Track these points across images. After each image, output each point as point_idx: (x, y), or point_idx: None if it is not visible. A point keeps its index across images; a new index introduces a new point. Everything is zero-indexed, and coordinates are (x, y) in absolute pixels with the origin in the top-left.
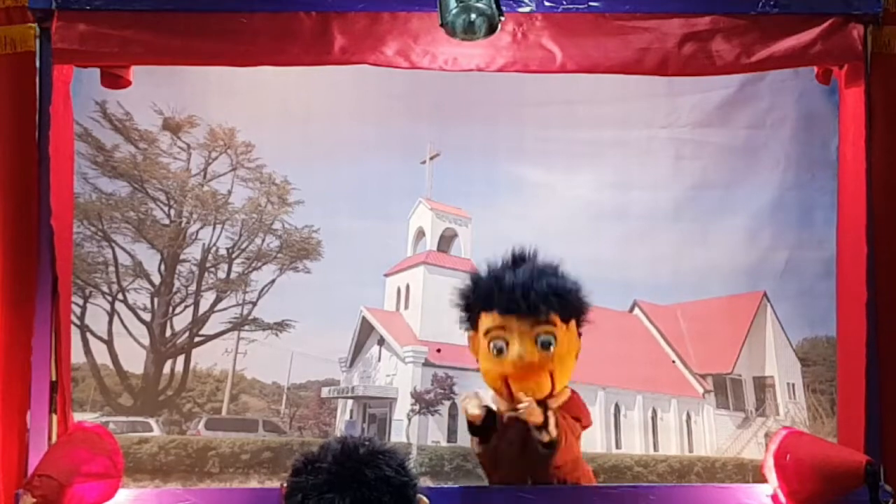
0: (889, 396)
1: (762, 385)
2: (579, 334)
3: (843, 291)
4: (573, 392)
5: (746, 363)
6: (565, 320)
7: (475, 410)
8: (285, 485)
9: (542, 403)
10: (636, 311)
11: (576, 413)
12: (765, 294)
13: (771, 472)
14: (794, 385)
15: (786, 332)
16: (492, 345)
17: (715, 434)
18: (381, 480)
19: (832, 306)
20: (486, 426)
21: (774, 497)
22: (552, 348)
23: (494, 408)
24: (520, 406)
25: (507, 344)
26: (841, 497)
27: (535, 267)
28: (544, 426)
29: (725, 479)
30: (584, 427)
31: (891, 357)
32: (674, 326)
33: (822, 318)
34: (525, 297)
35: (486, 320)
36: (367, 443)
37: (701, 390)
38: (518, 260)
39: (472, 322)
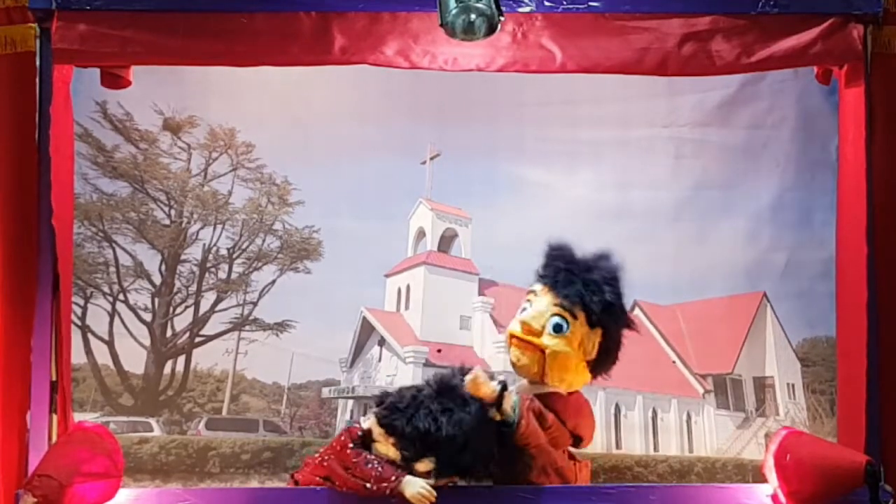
0: (889, 396)
1: (762, 385)
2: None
3: (843, 291)
4: (575, 397)
5: (746, 363)
6: (592, 324)
7: (488, 391)
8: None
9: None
10: (636, 311)
11: (553, 406)
12: (765, 294)
13: (771, 472)
14: (793, 385)
15: (786, 332)
16: (524, 305)
17: (715, 434)
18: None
19: (832, 306)
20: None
21: (774, 497)
22: (560, 333)
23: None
24: (467, 377)
25: (529, 308)
26: (841, 497)
27: (596, 266)
28: (498, 404)
29: (725, 479)
30: (574, 432)
31: (891, 357)
32: (674, 326)
33: (822, 318)
34: (563, 277)
35: (534, 284)
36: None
37: (701, 390)
38: (596, 257)
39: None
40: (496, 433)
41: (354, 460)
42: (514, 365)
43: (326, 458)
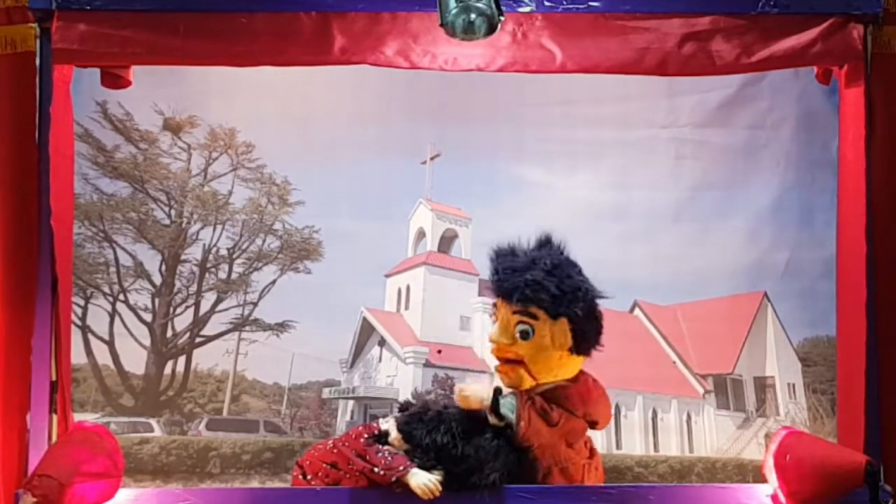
0: (889, 396)
1: (763, 385)
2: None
3: (843, 291)
4: (580, 383)
5: (747, 363)
6: (553, 316)
7: (474, 404)
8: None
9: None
10: (636, 311)
11: (559, 402)
12: (765, 294)
13: (771, 473)
14: (794, 385)
15: (786, 332)
16: (491, 318)
17: (715, 434)
18: None
19: (833, 306)
20: (496, 412)
21: (774, 497)
22: (529, 339)
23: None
24: (456, 391)
25: (494, 323)
26: (841, 497)
27: (538, 258)
28: (494, 410)
29: (726, 479)
30: (587, 418)
31: (891, 357)
32: (674, 327)
33: (823, 318)
34: (508, 284)
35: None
36: None
37: (701, 391)
38: (537, 247)
39: None
40: (515, 465)
41: (366, 448)
42: (510, 388)
43: (340, 445)
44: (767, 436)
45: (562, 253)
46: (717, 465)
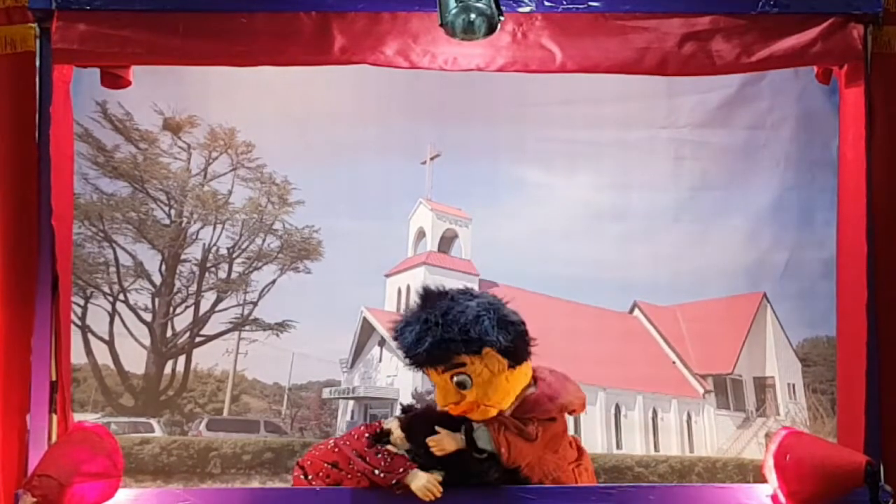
0: (889, 396)
1: (762, 385)
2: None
3: (843, 291)
4: (540, 384)
5: (747, 363)
6: (475, 352)
7: (450, 446)
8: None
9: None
10: (636, 311)
11: (532, 412)
12: (765, 295)
13: (771, 473)
14: (794, 385)
15: (786, 332)
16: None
17: (715, 434)
18: None
19: (832, 306)
20: (476, 447)
21: (774, 497)
22: (470, 385)
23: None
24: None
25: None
26: (841, 497)
27: (428, 317)
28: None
29: (726, 479)
30: (564, 411)
31: (891, 357)
32: (674, 327)
33: (823, 318)
34: (420, 358)
35: None
36: None
37: (701, 391)
38: (420, 306)
39: None
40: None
41: (367, 449)
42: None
43: (341, 444)
44: (767, 436)
45: (446, 294)
46: (718, 464)
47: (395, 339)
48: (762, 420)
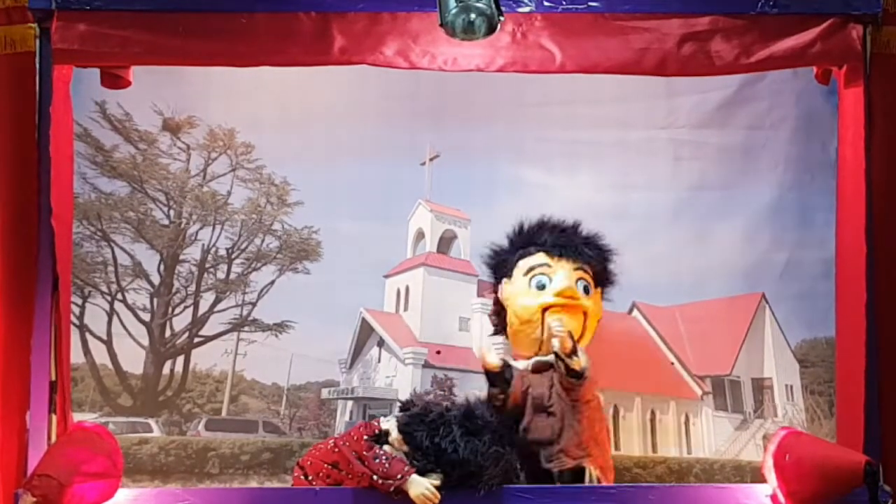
0: (888, 396)
1: (760, 386)
2: None
3: (843, 292)
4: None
5: (745, 365)
6: (596, 284)
7: (494, 360)
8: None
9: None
10: (635, 312)
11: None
12: (763, 295)
13: (770, 473)
14: (792, 386)
15: (784, 333)
16: (534, 280)
17: (713, 436)
18: None
19: (831, 307)
20: (504, 378)
21: (774, 497)
22: (590, 294)
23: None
24: (556, 330)
25: (550, 280)
26: (840, 497)
27: (581, 235)
28: (574, 353)
29: (724, 480)
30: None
31: (890, 357)
32: (672, 328)
33: (822, 319)
34: (572, 239)
35: (529, 261)
36: None
37: (699, 392)
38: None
39: (506, 269)
40: (513, 472)
41: (366, 452)
42: (551, 334)
43: (341, 444)
44: (765, 437)
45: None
46: (716, 466)
47: (543, 225)
48: (760, 422)
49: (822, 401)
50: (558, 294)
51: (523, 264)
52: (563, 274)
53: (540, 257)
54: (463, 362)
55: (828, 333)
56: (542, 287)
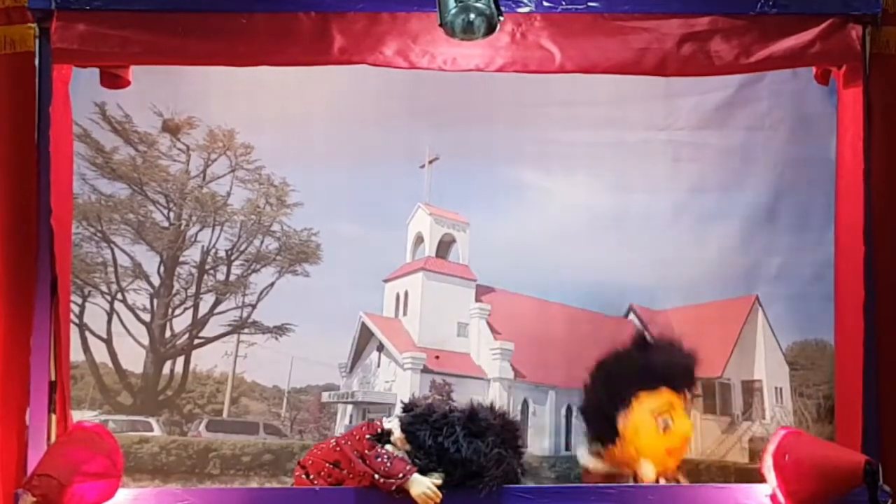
0: (887, 396)
1: (750, 389)
2: None
3: (841, 292)
4: None
5: (736, 367)
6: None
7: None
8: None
9: None
10: (631, 315)
11: None
12: (757, 298)
13: (770, 472)
14: (781, 389)
15: (776, 336)
16: (661, 420)
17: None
18: None
19: (823, 310)
20: None
21: (773, 497)
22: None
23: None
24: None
25: (672, 420)
26: (840, 497)
27: (671, 343)
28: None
29: (709, 481)
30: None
31: (889, 357)
32: (667, 332)
33: (813, 321)
34: (685, 375)
35: (652, 398)
36: None
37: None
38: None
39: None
40: (514, 474)
41: (368, 451)
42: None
43: (343, 443)
44: (752, 440)
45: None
46: (701, 467)
47: (650, 357)
48: (747, 424)
49: (809, 403)
50: (683, 439)
51: (645, 402)
52: (681, 416)
53: (663, 394)
54: (461, 368)
55: (819, 336)
56: (667, 427)
